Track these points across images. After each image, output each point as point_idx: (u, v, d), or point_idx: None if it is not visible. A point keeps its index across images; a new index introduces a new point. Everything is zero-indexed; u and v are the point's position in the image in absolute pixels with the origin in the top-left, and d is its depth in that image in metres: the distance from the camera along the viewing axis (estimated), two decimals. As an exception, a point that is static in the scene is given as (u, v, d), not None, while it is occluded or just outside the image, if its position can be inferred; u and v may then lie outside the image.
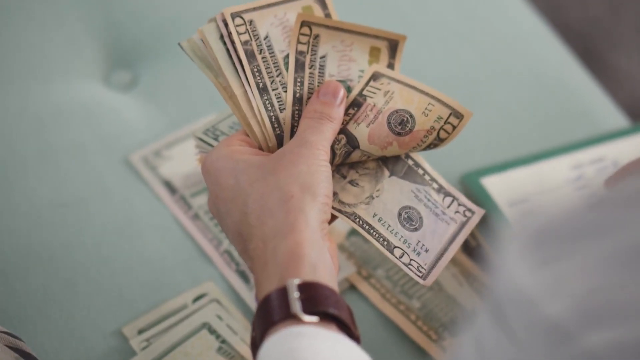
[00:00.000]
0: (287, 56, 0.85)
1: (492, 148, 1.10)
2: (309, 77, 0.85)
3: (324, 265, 0.78)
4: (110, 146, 1.08)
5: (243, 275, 1.00)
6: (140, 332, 0.97)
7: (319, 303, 0.75)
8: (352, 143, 0.84)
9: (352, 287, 1.00)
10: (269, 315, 0.76)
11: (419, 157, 0.87)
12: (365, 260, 1.01)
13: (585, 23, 2.05)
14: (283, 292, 0.76)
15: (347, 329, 0.77)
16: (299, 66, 0.85)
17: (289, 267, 0.77)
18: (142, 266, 1.01)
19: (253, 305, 0.98)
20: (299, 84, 0.84)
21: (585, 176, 1.06)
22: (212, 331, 0.97)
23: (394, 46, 0.86)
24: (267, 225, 0.79)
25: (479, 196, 1.03)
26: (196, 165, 1.04)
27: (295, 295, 0.75)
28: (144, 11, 1.18)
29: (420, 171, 0.86)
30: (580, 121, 1.13)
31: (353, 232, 1.02)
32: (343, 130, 0.84)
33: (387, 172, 0.86)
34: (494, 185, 1.04)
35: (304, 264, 0.77)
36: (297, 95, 0.84)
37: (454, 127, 0.84)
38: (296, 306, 0.75)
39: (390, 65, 0.86)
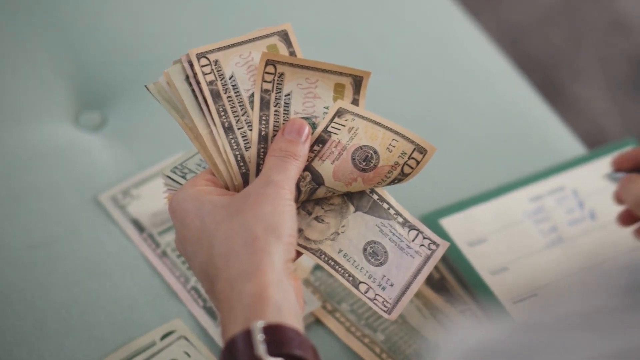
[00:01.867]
0: (253, 95, 0.84)
1: (454, 181, 1.10)
2: (274, 115, 0.84)
3: (288, 305, 0.77)
4: (81, 186, 1.07)
5: (210, 312, 0.99)
6: (110, 370, 0.96)
7: (284, 345, 0.75)
8: (317, 180, 0.83)
9: (318, 321, 0.99)
10: (234, 358, 0.75)
11: (384, 191, 0.86)
12: (330, 294, 1.00)
13: (547, 53, 2.07)
14: (248, 334, 0.75)
15: None
16: (264, 104, 0.84)
17: (254, 309, 0.76)
18: (111, 305, 1.00)
19: (220, 341, 0.97)
20: (264, 122, 0.84)
21: (545, 208, 1.05)
22: (180, 367, 0.96)
23: (358, 82, 0.86)
24: (232, 267, 0.78)
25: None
26: (164, 204, 1.03)
27: (259, 337, 0.75)
28: (112, 53, 1.17)
29: (385, 205, 0.85)
30: (541, 151, 1.13)
31: (318, 267, 1.01)
32: (308, 167, 0.83)
33: (352, 208, 0.85)
34: (453, 225, 1.03)
35: (269, 306, 0.76)
36: (263, 133, 0.84)
37: (418, 162, 0.84)
38: (261, 349, 0.74)
39: (355, 101, 0.86)
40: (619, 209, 1.04)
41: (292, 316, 0.77)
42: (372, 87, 1.15)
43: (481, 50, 1.23)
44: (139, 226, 1.04)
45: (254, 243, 0.78)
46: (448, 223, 1.03)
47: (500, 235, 1.03)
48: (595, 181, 1.07)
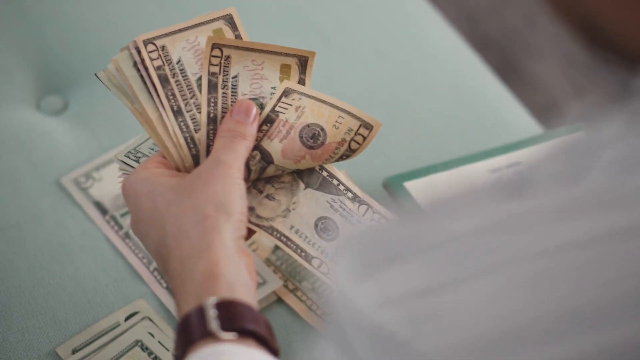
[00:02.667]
0: (200, 78, 0.85)
1: (412, 159, 1.10)
2: (222, 97, 0.85)
3: (240, 282, 0.78)
4: (43, 170, 1.07)
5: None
6: (75, 351, 0.96)
7: (236, 320, 0.76)
8: (267, 159, 0.84)
9: (279, 300, 0.99)
10: (188, 334, 0.76)
11: (333, 167, 0.87)
12: (291, 273, 1.00)
13: (504, 33, 2.08)
14: (201, 311, 0.76)
15: (266, 342, 0.77)
16: (212, 87, 0.84)
17: (206, 286, 0.77)
18: (75, 287, 1.00)
19: (182, 321, 0.97)
20: (212, 104, 0.84)
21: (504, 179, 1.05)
22: (144, 348, 0.96)
23: (303, 62, 0.86)
24: (184, 245, 0.79)
25: (402, 199, 1.02)
26: (118, 188, 1.03)
27: (212, 313, 0.75)
28: (74, 37, 1.17)
29: (335, 182, 0.86)
30: (498, 130, 1.13)
31: (279, 247, 1.01)
32: (257, 147, 0.84)
33: (302, 185, 0.86)
34: (417, 188, 1.03)
35: (221, 283, 0.77)
36: (212, 115, 0.84)
37: (365, 138, 0.85)
38: (214, 324, 0.75)
39: (301, 81, 0.87)
40: None
41: (245, 292, 0.78)
42: (330, 67, 1.15)
43: (438, 31, 1.22)
44: (101, 208, 1.04)
45: (205, 222, 0.79)
46: (412, 186, 1.03)
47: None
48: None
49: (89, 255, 1.02)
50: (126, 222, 1.03)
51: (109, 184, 1.05)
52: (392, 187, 1.03)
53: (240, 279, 0.78)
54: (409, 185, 1.03)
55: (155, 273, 1.00)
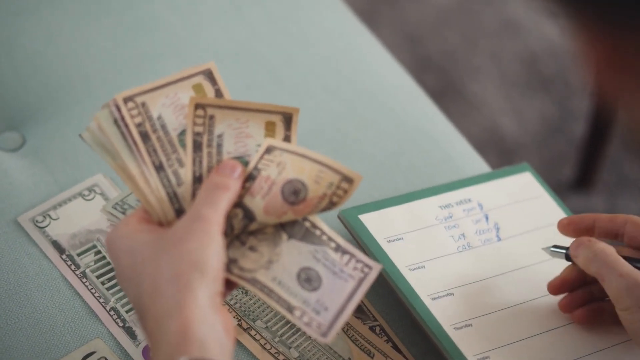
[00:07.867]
0: (181, 133, 0.82)
1: (362, 194, 1.07)
2: (207, 156, 0.82)
3: (214, 340, 0.75)
4: (0, 208, 1.02)
5: (129, 332, 0.96)
6: (33, 391, 0.92)
7: None
8: (249, 216, 0.81)
9: (235, 340, 0.97)
10: None
11: (316, 218, 0.83)
12: (245, 312, 0.97)
13: (445, 55, 2.09)
14: None
15: None
16: (197, 146, 0.82)
17: (178, 346, 0.74)
18: (32, 327, 0.95)
19: (140, 360, 0.94)
20: (198, 163, 0.81)
21: (454, 216, 1.04)
22: (102, 388, 0.92)
23: (288, 119, 0.83)
24: (158, 304, 0.76)
25: (358, 231, 1.00)
26: (83, 225, 1.00)
27: None
28: (30, 73, 1.12)
29: (318, 232, 0.83)
30: (443, 167, 1.12)
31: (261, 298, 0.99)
32: (240, 204, 0.81)
33: (285, 236, 0.83)
34: (371, 221, 1.01)
35: (192, 343, 0.74)
36: (197, 174, 0.81)
37: (346, 191, 0.82)
38: None
39: (287, 138, 0.84)
40: (520, 225, 1.04)
41: (218, 350, 0.75)
42: (280, 103, 1.13)
43: (386, 68, 1.21)
44: (58, 247, 1.00)
45: (178, 280, 0.76)
46: (366, 219, 1.01)
47: (415, 236, 1.01)
48: (497, 199, 1.06)
49: (46, 294, 0.97)
50: (83, 261, 0.99)
51: (65, 223, 1.01)
52: (347, 219, 1.01)
53: (213, 337, 0.75)
54: (364, 217, 1.01)
55: (112, 312, 0.97)
